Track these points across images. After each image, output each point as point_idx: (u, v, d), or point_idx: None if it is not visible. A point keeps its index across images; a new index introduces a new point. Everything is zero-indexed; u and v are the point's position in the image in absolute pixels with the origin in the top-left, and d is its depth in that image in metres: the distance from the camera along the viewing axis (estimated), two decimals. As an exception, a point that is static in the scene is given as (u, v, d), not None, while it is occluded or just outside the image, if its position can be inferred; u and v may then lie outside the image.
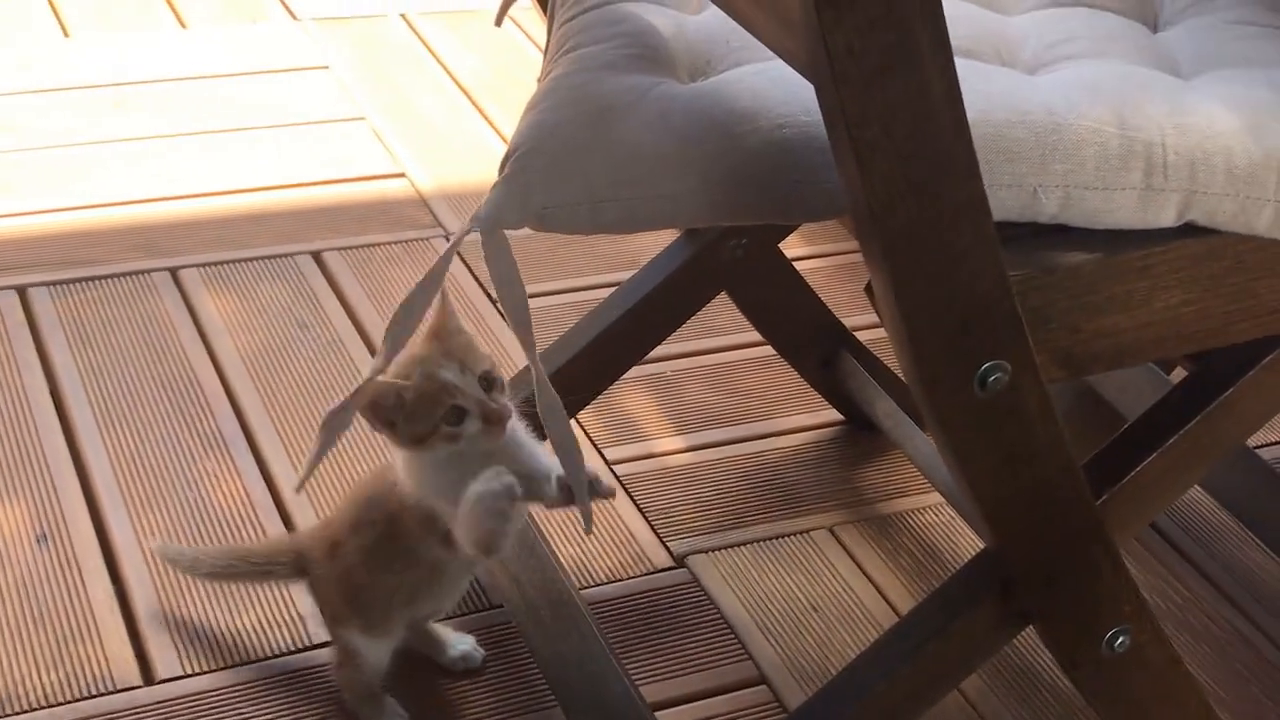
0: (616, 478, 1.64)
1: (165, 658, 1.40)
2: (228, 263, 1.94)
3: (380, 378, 1.16)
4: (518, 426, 1.23)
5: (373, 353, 1.68)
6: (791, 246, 1.65)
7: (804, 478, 1.67)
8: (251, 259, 1.95)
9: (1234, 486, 1.62)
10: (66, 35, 2.43)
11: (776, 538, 1.59)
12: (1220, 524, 1.65)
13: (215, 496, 1.58)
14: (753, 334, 1.72)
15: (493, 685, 1.40)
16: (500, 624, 1.45)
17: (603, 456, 1.67)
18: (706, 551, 1.57)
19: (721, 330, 1.86)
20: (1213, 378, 1.13)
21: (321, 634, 1.41)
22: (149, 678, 1.38)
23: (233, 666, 1.40)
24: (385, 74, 2.41)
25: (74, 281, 1.88)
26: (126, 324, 1.82)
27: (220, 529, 1.54)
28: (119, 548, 1.51)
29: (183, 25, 2.48)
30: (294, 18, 2.54)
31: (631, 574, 1.54)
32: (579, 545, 1.56)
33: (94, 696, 1.36)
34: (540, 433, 1.20)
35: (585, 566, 1.54)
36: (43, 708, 1.35)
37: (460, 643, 1.41)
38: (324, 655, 1.40)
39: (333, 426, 1.15)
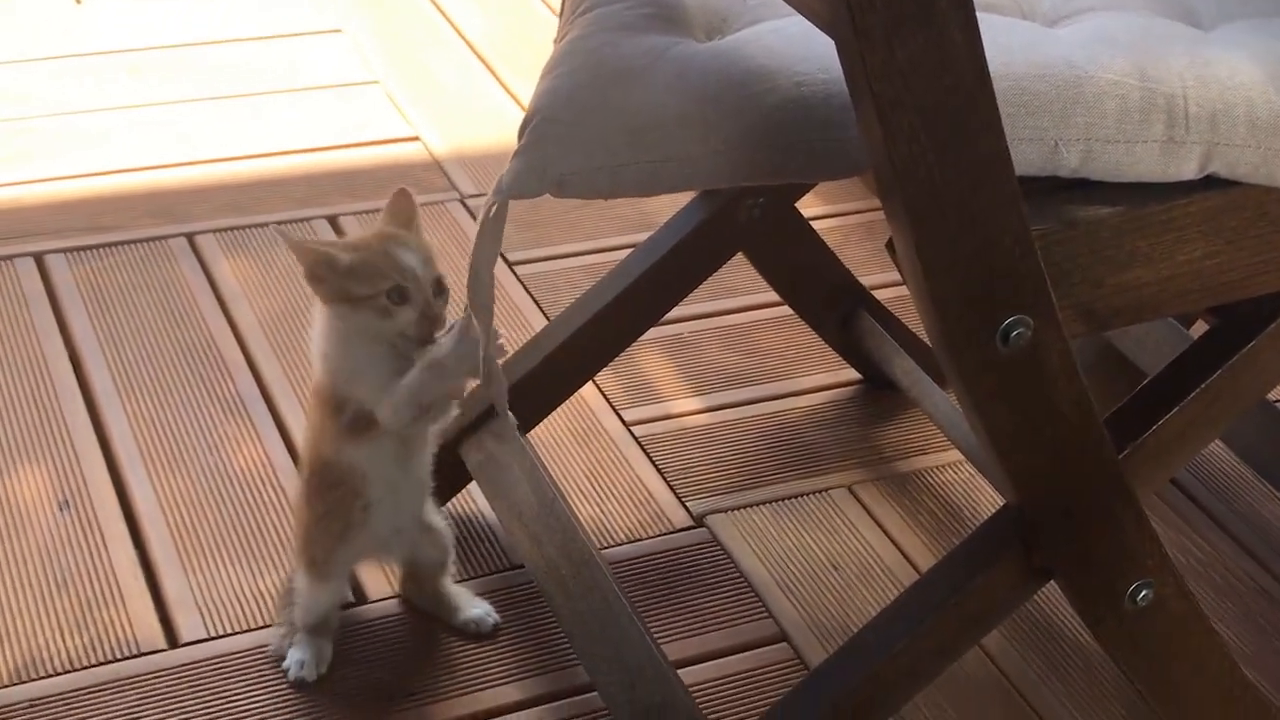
0: (635, 439, 1.64)
1: (189, 621, 1.41)
2: (244, 228, 1.94)
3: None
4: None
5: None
6: (808, 206, 1.64)
7: (822, 437, 1.67)
8: (267, 223, 1.95)
9: (1255, 440, 1.61)
10: (79, 2, 2.42)
11: (795, 496, 1.59)
12: (1241, 478, 1.65)
13: (235, 460, 1.59)
14: (770, 294, 1.71)
15: (515, 645, 1.40)
16: (521, 584, 1.46)
17: (621, 418, 1.67)
18: (725, 511, 1.57)
19: (739, 290, 1.86)
20: (1234, 331, 1.13)
21: (347, 594, 1.41)
22: (173, 641, 1.39)
23: (256, 629, 1.40)
24: (399, 37, 2.40)
25: (91, 248, 1.88)
26: (144, 290, 1.82)
27: (241, 492, 1.55)
28: (141, 512, 1.51)
29: (195, -10, 2.48)
30: (306, -19, 2.53)
31: (651, 534, 1.54)
32: (598, 505, 1.56)
33: (118, 660, 1.37)
34: None
35: (605, 526, 1.54)
36: (67, 672, 1.35)
37: (474, 607, 1.41)
38: (345, 617, 1.40)
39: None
